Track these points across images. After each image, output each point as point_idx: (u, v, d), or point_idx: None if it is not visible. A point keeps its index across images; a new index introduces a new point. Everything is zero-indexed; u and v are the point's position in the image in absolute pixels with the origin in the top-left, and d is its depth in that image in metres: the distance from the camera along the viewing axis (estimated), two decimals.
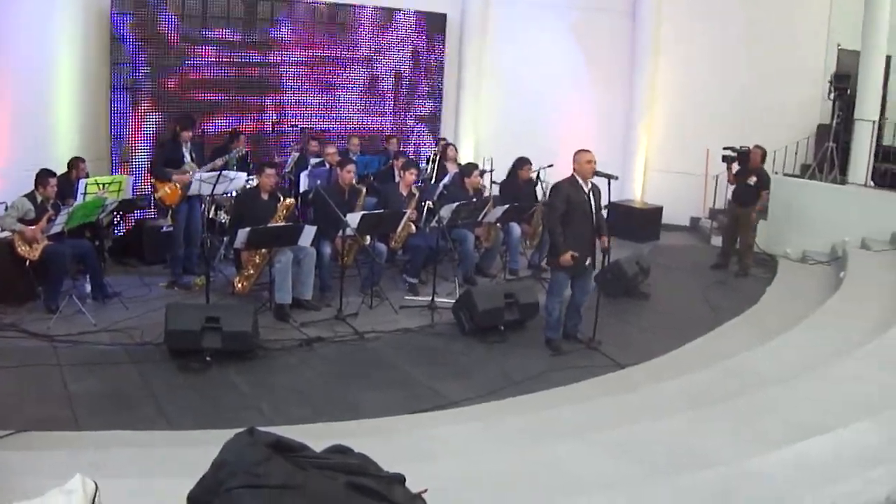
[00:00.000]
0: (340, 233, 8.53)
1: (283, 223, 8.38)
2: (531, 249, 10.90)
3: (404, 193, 9.61)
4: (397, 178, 10.11)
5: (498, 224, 10.12)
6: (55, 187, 8.26)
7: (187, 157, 9.12)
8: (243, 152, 10.58)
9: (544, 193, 10.42)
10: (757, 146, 11.34)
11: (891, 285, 9.26)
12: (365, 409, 6.20)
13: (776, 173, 12.49)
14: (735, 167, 11.51)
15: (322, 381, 6.78)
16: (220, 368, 6.82)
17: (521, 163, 10.68)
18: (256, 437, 2.76)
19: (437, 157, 11.90)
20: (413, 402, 6.40)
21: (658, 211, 13.83)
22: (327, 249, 8.81)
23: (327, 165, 10.47)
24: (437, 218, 9.00)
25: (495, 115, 14.55)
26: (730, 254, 11.53)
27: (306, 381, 6.78)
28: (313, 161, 10.99)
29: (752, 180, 11.23)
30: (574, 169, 7.62)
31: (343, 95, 13.00)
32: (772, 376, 6.38)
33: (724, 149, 11.69)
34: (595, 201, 7.65)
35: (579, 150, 7.67)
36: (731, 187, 11.73)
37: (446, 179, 11.00)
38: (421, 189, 10.10)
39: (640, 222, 13.42)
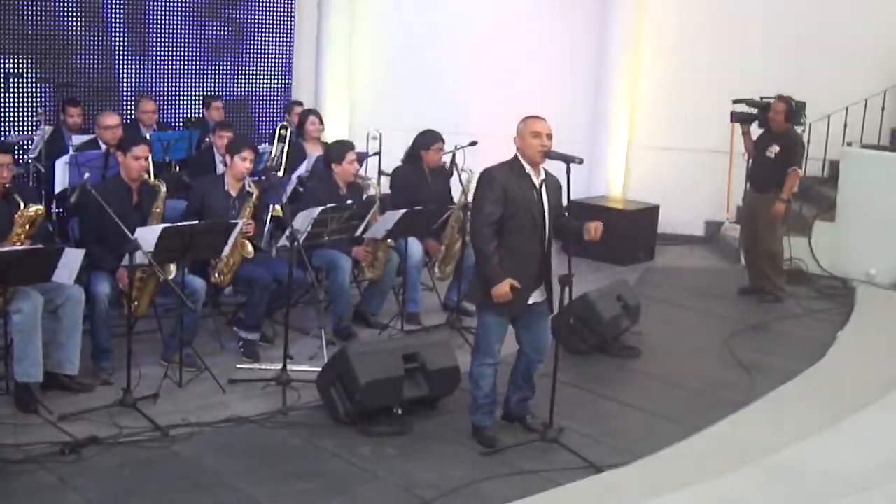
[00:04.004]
0: (126, 260, 8.34)
1: (24, 245, 8.18)
2: (444, 279, 10.93)
3: (233, 192, 9.51)
4: (221, 167, 9.96)
5: (389, 241, 10.10)
6: None
7: None
8: None
9: (464, 188, 10.42)
10: (781, 97, 11.53)
11: None
12: None
13: (849, 144, 12.71)
14: (755, 130, 11.69)
15: None
16: None
17: (428, 140, 10.71)
18: None
19: (289, 133, 11.82)
20: None
21: (651, 213, 14.04)
22: (105, 289, 8.61)
23: (102, 147, 10.29)
24: (288, 232, 8.90)
25: (383, 68, 14.59)
26: (756, 270, 11.70)
27: None
28: (77, 140, 10.81)
29: (774, 151, 11.41)
30: (517, 147, 7.60)
31: (126, 35, 12.86)
32: (847, 479, 6.41)
33: (736, 102, 11.84)
34: (551, 200, 7.65)
35: (526, 118, 7.62)
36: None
37: (303, 168, 10.91)
38: (262, 184, 9.96)
39: (623, 233, 13.37)
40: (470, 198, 8.85)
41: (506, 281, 7.41)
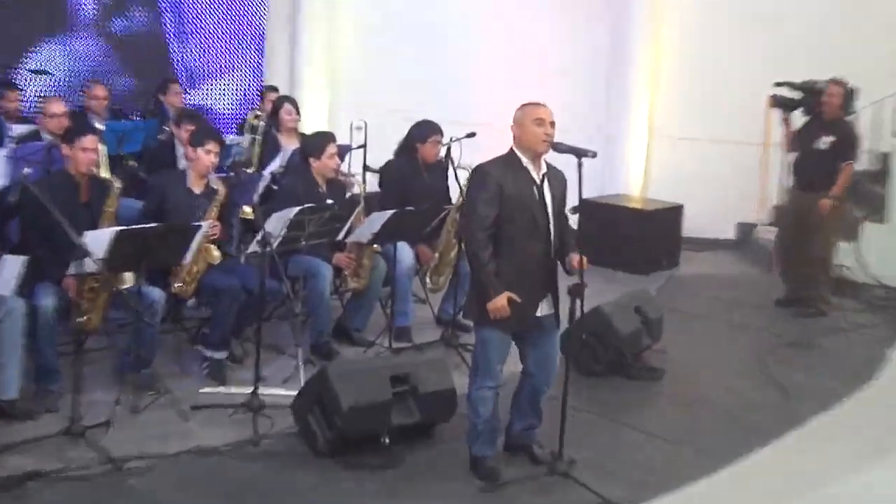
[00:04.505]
0: (73, 267, 8.29)
1: None
2: (438, 290, 10.95)
3: (197, 190, 9.48)
4: (183, 162, 9.93)
5: (376, 246, 10.08)
6: None
7: None
8: None
9: (461, 186, 10.37)
10: (835, 80, 11.50)
11: None
12: None
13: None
14: (797, 119, 11.63)
15: None
16: None
17: (424, 132, 10.76)
18: None
19: (262, 124, 11.80)
20: None
21: (675, 214, 14.03)
22: (50, 301, 8.57)
23: (45, 138, 10.25)
24: (260, 236, 8.86)
25: (368, 47, 14.60)
26: (799, 279, 11.67)
27: None
28: (18, 130, 10.81)
29: (826, 142, 11.37)
30: (514, 138, 7.56)
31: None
32: None
33: (777, 85, 11.78)
34: (554, 197, 7.61)
35: (525, 105, 7.61)
36: (792, 158, 11.92)
37: (276, 164, 10.88)
38: (230, 182, 9.92)
39: (643, 236, 13.56)
40: None
41: (503, 294, 7.36)
